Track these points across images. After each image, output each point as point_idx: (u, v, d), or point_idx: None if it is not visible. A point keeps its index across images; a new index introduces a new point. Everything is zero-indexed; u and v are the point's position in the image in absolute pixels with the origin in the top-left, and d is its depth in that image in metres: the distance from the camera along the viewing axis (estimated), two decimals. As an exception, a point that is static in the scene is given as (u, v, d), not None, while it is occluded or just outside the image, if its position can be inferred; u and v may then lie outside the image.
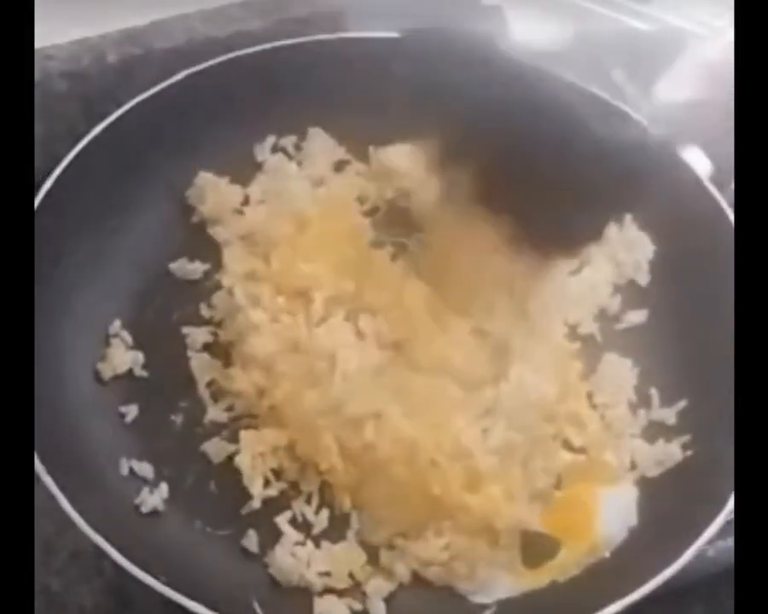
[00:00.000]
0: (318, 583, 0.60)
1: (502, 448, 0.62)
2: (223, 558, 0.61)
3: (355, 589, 0.60)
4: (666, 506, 0.63)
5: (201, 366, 0.68)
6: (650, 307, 0.73)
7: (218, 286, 0.71)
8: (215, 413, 0.66)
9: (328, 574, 0.60)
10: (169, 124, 0.75)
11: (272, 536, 0.62)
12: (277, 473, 0.64)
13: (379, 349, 0.65)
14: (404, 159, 0.77)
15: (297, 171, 0.78)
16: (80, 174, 0.69)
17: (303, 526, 0.62)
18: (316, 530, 0.62)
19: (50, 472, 0.56)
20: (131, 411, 0.67)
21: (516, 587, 0.60)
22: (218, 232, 0.75)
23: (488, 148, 0.61)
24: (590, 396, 0.68)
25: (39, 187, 0.67)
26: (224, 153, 0.77)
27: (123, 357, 0.68)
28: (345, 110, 0.77)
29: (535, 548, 0.62)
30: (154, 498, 0.62)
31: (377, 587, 0.60)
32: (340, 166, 0.79)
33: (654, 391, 0.68)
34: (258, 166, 0.79)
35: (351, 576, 0.60)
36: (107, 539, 0.55)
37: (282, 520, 0.62)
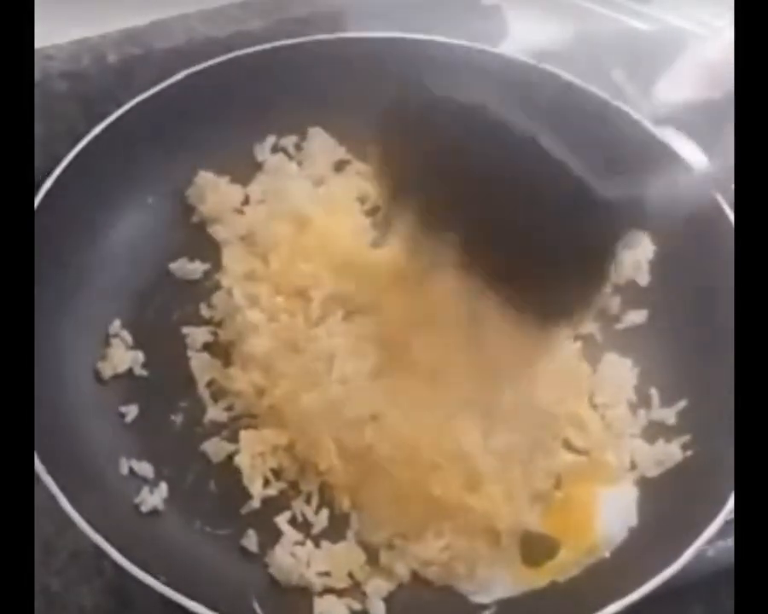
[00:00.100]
0: (318, 583, 0.60)
1: (502, 450, 0.62)
2: (222, 557, 0.61)
3: (355, 589, 0.60)
4: (666, 507, 0.62)
5: (201, 366, 0.68)
6: (650, 307, 0.73)
7: (218, 286, 0.71)
8: (215, 412, 0.66)
9: (327, 574, 0.60)
10: (169, 124, 0.75)
11: (272, 536, 0.62)
12: (277, 473, 0.64)
13: (377, 350, 0.65)
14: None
15: (297, 171, 0.78)
16: (80, 174, 0.69)
17: (303, 526, 0.62)
18: (315, 530, 0.62)
19: (50, 472, 0.56)
20: (131, 411, 0.67)
21: (516, 587, 0.60)
22: (218, 231, 0.75)
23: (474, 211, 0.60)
24: (590, 396, 0.68)
25: (39, 187, 0.67)
26: (224, 152, 0.77)
27: (123, 357, 0.68)
28: (345, 110, 0.77)
29: (535, 548, 0.62)
30: (153, 498, 0.62)
31: (377, 587, 0.60)
32: (340, 166, 0.79)
33: (653, 391, 0.68)
34: (258, 166, 0.79)
35: (350, 575, 0.60)
36: (107, 539, 0.55)
37: (281, 520, 0.62)
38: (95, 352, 0.68)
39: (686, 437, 0.66)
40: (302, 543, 0.61)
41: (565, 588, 0.60)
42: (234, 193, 0.77)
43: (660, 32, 0.94)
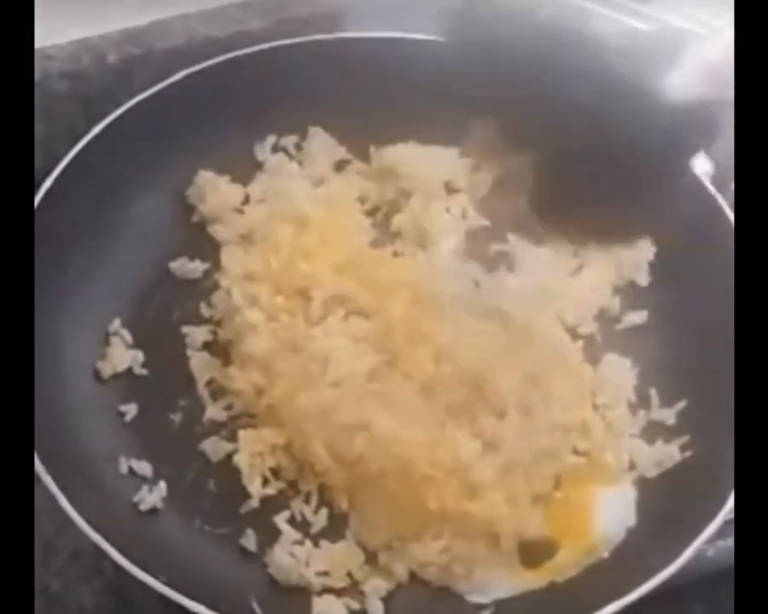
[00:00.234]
0: (317, 583, 0.60)
1: (504, 461, 0.62)
2: (221, 556, 0.61)
3: (353, 589, 0.60)
4: (665, 507, 0.62)
5: (201, 365, 0.68)
6: (650, 308, 0.73)
7: (218, 286, 0.71)
8: (214, 412, 0.67)
9: (326, 573, 0.60)
10: (169, 124, 0.75)
11: (271, 535, 0.62)
12: (276, 472, 0.64)
13: (374, 353, 0.65)
14: (405, 159, 0.77)
15: (298, 171, 0.78)
16: (80, 173, 0.69)
17: (302, 525, 0.62)
18: (314, 530, 0.62)
19: (50, 472, 0.56)
20: (131, 410, 0.67)
21: (514, 588, 0.60)
22: (218, 231, 0.75)
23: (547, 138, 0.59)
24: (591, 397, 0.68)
25: (39, 186, 0.67)
26: (224, 152, 0.77)
27: (122, 356, 0.68)
28: (346, 109, 0.77)
29: (533, 549, 0.61)
30: (152, 496, 0.62)
31: (375, 587, 0.60)
32: (340, 166, 0.79)
33: (653, 392, 0.68)
34: (258, 166, 0.79)
35: (349, 575, 0.60)
36: (107, 538, 0.55)
37: (280, 519, 0.62)
38: (94, 351, 0.68)
39: (685, 438, 0.66)
40: (301, 543, 0.61)
41: (563, 589, 0.60)
42: (234, 192, 0.77)
43: (660, 32, 0.94)
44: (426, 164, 0.77)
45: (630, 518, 0.63)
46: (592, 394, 0.68)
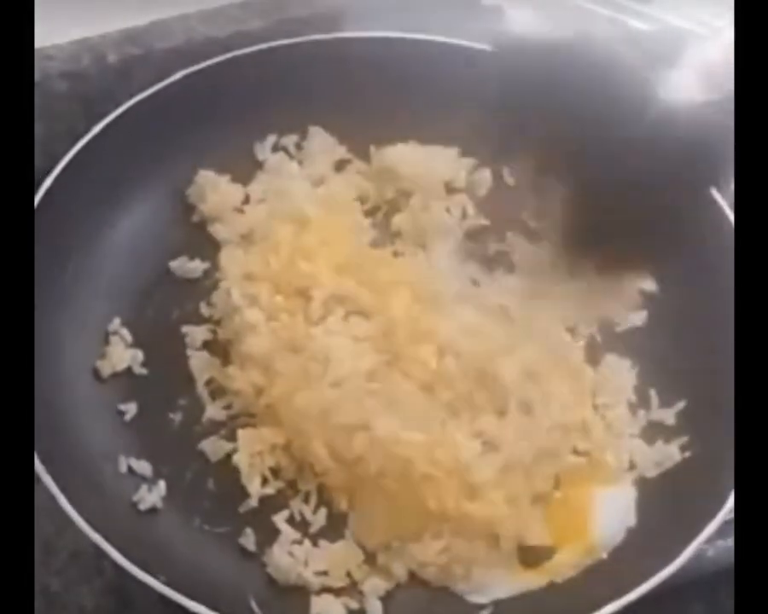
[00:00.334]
0: (315, 582, 0.60)
1: (504, 462, 0.62)
2: (220, 556, 0.61)
3: (352, 588, 0.60)
4: (664, 507, 0.62)
5: (200, 364, 0.68)
6: (650, 308, 0.73)
7: (218, 285, 0.71)
8: (214, 411, 0.67)
9: (325, 573, 0.60)
10: (169, 124, 0.75)
11: (270, 535, 0.62)
12: (275, 472, 0.64)
13: (374, 352, 0.65)
14: (405, 159, 0.77)
15: (298, 170, 0.78)
16: (80, 173, 0.70)
17: (301, 525, 0.62)
18: (313, 529, 0.62)
19: (50, 472, 0.56)
20: (130, 409, 0.67)
21: (514, 588, 0.60)
22: (218, 230, 0.75)
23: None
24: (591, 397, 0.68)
25: (39, 186, 0.67)
26: (224, 152, 0.77)
27: (122, 355, 0.68)
28: (346, 109, 0.77)
29: (533, 549, 0.61)
30: (152, 496, 0.62)
31: (374, 587, 0.60)
32: (340, 165, 0.79)
33: (653, 392, 0.68)
34: (258, 165, 0.79)
35: (348, 575, 0.60)
36: (106, 538, 0.55)
37: (279, 519, 0.62)
38: (94, 350, 0.68)
39: (685, 438, 0.66)
40: (300, 542, 0.61)
41: (562, 588, 0.60)
42: (234, 192, 0.77)
43: (660, 33, 0.94)
44: (426, 164, 0.77)
45: (629, 518, 0.63)
46: (592, 394, 0.68)
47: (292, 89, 0.78)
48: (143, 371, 0.69)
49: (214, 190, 0.76)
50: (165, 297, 0.72)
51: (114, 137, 0.72)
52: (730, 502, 0.57)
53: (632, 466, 0.65)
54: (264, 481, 0.64)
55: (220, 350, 0.69)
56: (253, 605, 0.58)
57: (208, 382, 0.68)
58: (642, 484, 0.65)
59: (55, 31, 0.79)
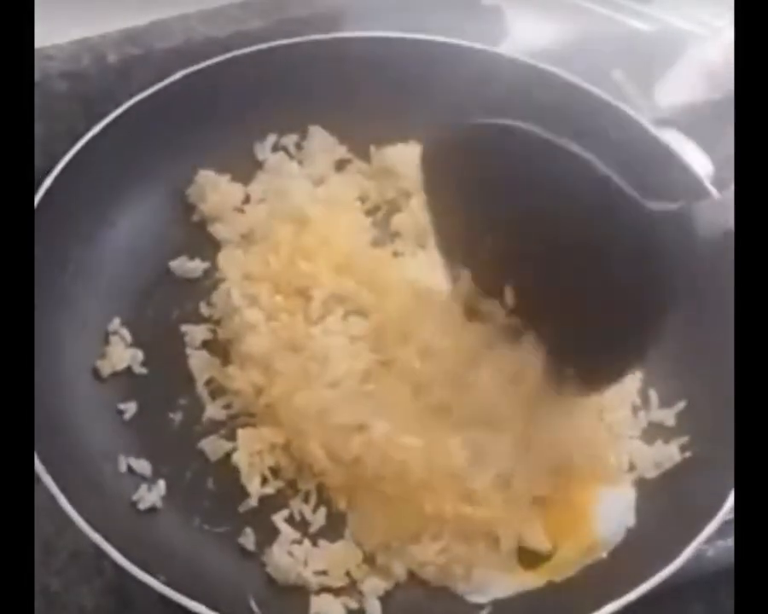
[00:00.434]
0: (315, 582, 0.60)
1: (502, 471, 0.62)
2: (220, 555, 0.61)
3: (351, 588, 0.60)
4: (664, 508, 0.62)
5: (200, 364, 0.68)
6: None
7: (218, 285, 0.71)
8: (213, 410, 0.67)
9: (324, 572, 0.60)
10: (169, 124, 0.75)
11: (269, 534, 0.62)
12: (275, 471, 0.64)
13: (373, 353, 0.65)
14: (405, 159, 0.77)
15: (298, 170, 0.78)
16: (80, 173, 0.70)
17: (300, 524, 0.62)
18: (313, 529, 0.62)
19: (50, 472, 0.56)
20: (130, 408, 0.67)
21: (513, 587, 0.60)
22: (218, 230, 0.75)
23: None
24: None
25: (39, 186, 0.67)
26: (224, 151, 0.77)
27: (122, 355, 0.68)
28: (346, 109, 0.77)
29: (532, 549, 0.61)
30: (151, 495, 0.62)
31: (373, 586, 0.60)
32: (341, 165, 0.79)
33: (653, 393, 0.68)
34: (258, 165, 0.79)
35: (347, 574, 0.60)
36: (106, 538, 0.55)
37: (279, 518, 0.62)
38: (94, 350, 0.68)
39: (684, 439, 0.65)
40: (299, 542, 0.61)
41: (562, 588, 0.60)
42: (234, 191, 0.77)
43: (660, 33, 0.94)
44: (426, 164, 0.77)
45: (629, 519, 0.63)
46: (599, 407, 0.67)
47: (292, 89, 0.78)
48: (143, 370, 0.69)
49: (214, 190, 0.76)
50: (165, 296, 0.72)
51: (114, 137, 0.72)
52: (730, 502, 0.57)
53: (632, 467, 0.65)
54: (264, 480, 0.64)
55: (220, 349, 0.69)
56: (253, 604, 0.58)
57: (208, 382, 0.68)
58: (642, 485, 0.65)
59: (55, 31, 0.79)
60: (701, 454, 0.64)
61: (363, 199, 0.77)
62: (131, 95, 0.73)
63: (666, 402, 0.68)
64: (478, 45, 0.79)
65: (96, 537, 0.55)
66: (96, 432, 0.65)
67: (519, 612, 0.59)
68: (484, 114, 0.74)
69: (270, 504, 0.63)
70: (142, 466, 0.64)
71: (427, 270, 0.71)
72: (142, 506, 0.62)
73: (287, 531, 0.62)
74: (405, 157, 0.77)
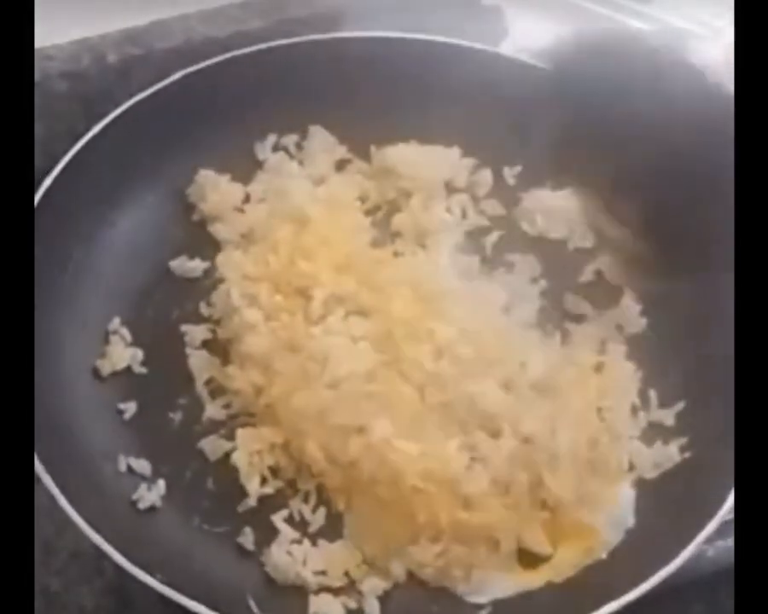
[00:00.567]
0: (314, 582, 0.60)
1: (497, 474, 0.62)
2: (219, 555, 0.61)
3: (350, 588, 0.60)
4: (663, 508, 0.62)
5: (200, 363, 0.68)
6: (650, 310, 0.73)
7: (218, 285, 0.71)
8: (213, 410, 0.67)
9: (323, 572, 0.60)
10: (169, 124, 0.75)
11: (268, 534, 0.62)
12: (274, 471, 0.64)
13: (373, 353, 0.65)
14: (406, 159, 0.77)
15: (298, 170, 0.78)
16: (80, 173, 0.70)
17: (299, 524, 0.63)
18: (312, 529, 0.62)
19: (50, 472, 0.56)
20: (130, 408, 0.67)
21: (513, 588, 0.60)
22: (218, 230, 0.75)
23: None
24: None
25: (39, 186, 0.67)
26: (224, 151, 0.77)
27: (122, 354, 0.69)
28: (346, 109, 0.77)
29: (532, 550, 0.61)
30: (151, 494, 0.63)
31: (373, 586, 0.60)
32: (341, 165, 0.79)
33: (652, 393, 0.68)
34: (259, 165, 0.79)
35: (346, 574, 0.60)
36: (106, 538, 0.55)
37: (278, 518, 0.62)
38: (94, 350, 0.68)
39: (684, 439, 0.65)
40: (299, 542, 0.61)
41: (561, 588, 0.60)
42: (234, 191, 0.77)
43: (660, 32, 0.94)
44: (426, 164, 0.77)
45: (629, 519, 0.63)
46: (597, 407, 0.67)
47: (292, 89, 0.78)
48: (143, 370, 0.69)
49: (214, 189, 0.76)
50: (164, 296, 0.72)
51: (114, 137, 0.72)
52: (730, 502, 0.57)
53: (632, 467, 0.65)
54: (263, 480, 0.64)
55: (220, 349, 0.69)
56: (252, 604, 0.58)
57: (208, 381, 0.68)
58: (642, 485, 0.65)
59: (55, 31, 0.79)
60: (701, 455, 0.64)
61: (363, 199, 0.77)
62: (131, 95, 0.73)
63: (665, 403, 0.68)
64: (478, 45, 0.79)
65: (96, 537, 0.55)
66: (96, 432, 0.65)
67: (519, 613, 0.60)
68: (484, 114, 0.75)
69: (269, 504, 0.63)
70: (142, 465, 0.64)
71: (427, 270, 0.71)
72: (141, 506, 0.62)
73: (286, 531, 0.62)
74: (405, 157, 0.77)
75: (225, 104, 0.77)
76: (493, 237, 0.75)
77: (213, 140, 0.76)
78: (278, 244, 0.71)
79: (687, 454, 0.65)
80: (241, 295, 0.68)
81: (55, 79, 0.78)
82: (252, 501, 0.63)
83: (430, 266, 0.72)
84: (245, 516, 0.63)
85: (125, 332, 0.70)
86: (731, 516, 0.56)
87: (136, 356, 0.69)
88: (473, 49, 0.79)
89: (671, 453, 0.65)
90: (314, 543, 0.61)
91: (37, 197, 0.66)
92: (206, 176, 0.76)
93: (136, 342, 0.70)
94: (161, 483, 0.63)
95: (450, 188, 0.78)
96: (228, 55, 0.77)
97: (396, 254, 0.74)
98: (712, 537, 0.57)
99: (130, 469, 0.64)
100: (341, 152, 0.80)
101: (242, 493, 0.63)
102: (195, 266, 0.73)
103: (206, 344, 0.70)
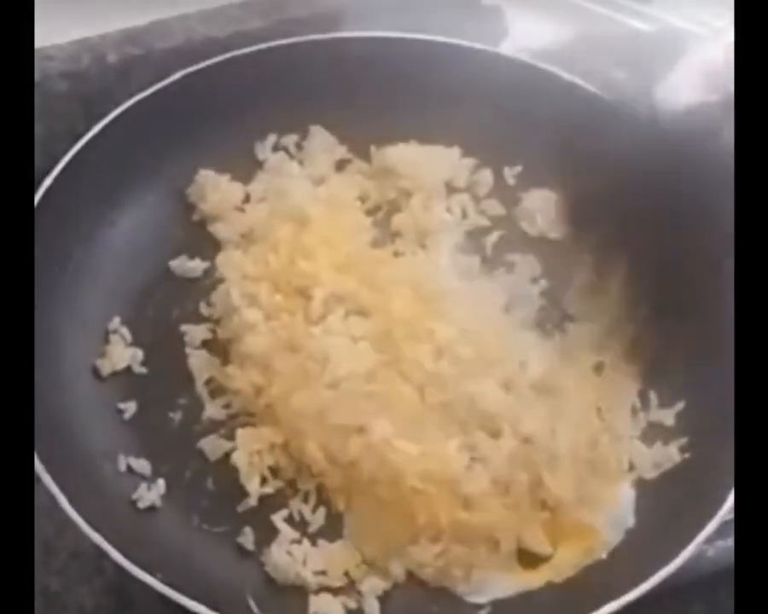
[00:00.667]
0: (314, 581, 0.60)
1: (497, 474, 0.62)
2: (219, 555, 0.61)
3: (350, 588, 0.60)
4: (663, 509, 0.62)
5: (200, 363, 0.68)
6: (650, 310, 0.72)
7: (218, 284, 0.71)
8: (213, 410, 0.67)
9: (323, 572, 0.60)
10: (169, 123, 0.75)
11: (268, 534, 0.62)
12: (274, 471, 0.64)
13: (373, 353, 0.65)
14: (406, 159, 0.77)
15: (298, 170, 0.78)
16: (80, 173, 0.70)
17: (299, 524, 0.62)
18: (312, 528, 0.62)
19: (50, 472, 0.56)
20: (130, 408, 0.67)
21: (512, 588, 0.60)
22: (218, 230, 0.75)
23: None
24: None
25: (39, 186, 0.67)
26: (224, 151, 0.77)
27: (122, 354, 0.69)
28: (346, 109, 0.77)
29: (531, 550, 0.61)
30: (151, 494, 0.63)
31: (372, 586, 0.60)
32: (341, 165, 0.79)
33: (652, 393, 0.68)
34: (259, 164, 0.79)
35: (346, 574, 0.60)
36: (106, 538, 0.55)
37: (278, 518, 0.62)
38: (94, 349, 0.68)
39: (684, 440, 0.65)
40: (299, 542, 0.61)
41: (561, 588, 0.60)
42: (235, 191, 0.77)
43: (660, 33, 0.94)
44: (426, 164, 0.77)
45: (629, 519, 0.63)
46: (597, 407, 0.67)
47: (292, 89, 0.78)
48: (143, 370, 0.69)
49: (214, 189, 0.76)
50: (165, 296, 0.72)
51: (114, 137, 0.72)
52: (730, 502, 0.57)
53: (632, 467, 0.65)
54: (263, 480, 0.64)
55: (220, 349, 0.69)
56: (252, 604, 0.58)
57: (208, 381, 0.68)
58: (642, 485, 0.65)
59: (55, 31, 0.79)
60: (701, 455, 0.64)
61: (363, 199, 0.77)
62: (131, 95, 0.73)
63: (665, 403, 0.68)
64: (478, 45, 0.79)
65: (96, 537, 0.55)
66: (96, 432, 0.65)
67: (519, 613, 0.59)
68: (484, 114, 0.75)
69: (269, 504, 0.63)
70: (142, 465, 0.64)
71: (427, 270, 0.71)
72: (141, 506, 0.62)
73: (286, 531, 0.62)
74: (405, 157, 0.77)
75: (225, 104, 0.77)
76: (493, 237, 0.75)
77: (213, 140, 0.76)
78: (278, 244, 0.71)
79: (687, 454, 0.65)
80: (241, 295, 0.68)
81: (55, 79, 0.78)
82: (252, 501, 0.63)
83: (430, 266, 0.72)
84: (245, 516, 0.63)
85: (125, 331, 0.70)
86: (731, 516, 0.56)
87: (136, 356, 0.69)
88: (473, 49, 0.79)
89: (671, 453, 0.65)
90: (314, 543, 0.61)
91: (37, 197, 0.66)
92: (206, 175, 0.76)
93: (136, 342, 0.70)
94: (161, 482, 0.63)
95: (451, 188, 0.78)
96: (228, 55, 0.77)
97: (396, 254, 0.74)
98: (712, 537, 0.57)
99: (130, 469, 0.64)
100: (341, 152, 0.80)
101: (242, 493, 0.63)
102: (195, 266, 0.73)
103: (206, 344, 0.70)
